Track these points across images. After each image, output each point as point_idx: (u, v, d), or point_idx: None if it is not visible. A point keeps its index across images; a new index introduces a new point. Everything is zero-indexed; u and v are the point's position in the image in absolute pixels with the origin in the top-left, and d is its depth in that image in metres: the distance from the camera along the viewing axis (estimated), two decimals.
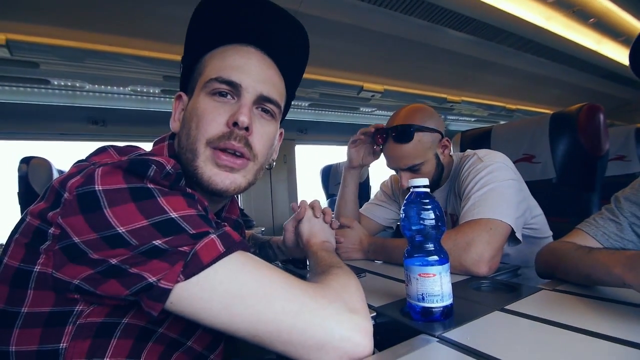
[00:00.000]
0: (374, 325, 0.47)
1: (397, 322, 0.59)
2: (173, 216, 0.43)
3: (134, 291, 0.40)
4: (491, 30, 2.09)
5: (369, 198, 1.45)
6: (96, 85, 1.97)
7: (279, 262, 1.07)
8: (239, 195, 2.83)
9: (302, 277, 0.50)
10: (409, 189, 0.62)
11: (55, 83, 1.86)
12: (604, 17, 2.24)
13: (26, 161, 1.75)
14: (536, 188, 1.22)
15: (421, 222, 0.58)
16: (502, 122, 2.49)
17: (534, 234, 1.09)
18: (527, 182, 1.09)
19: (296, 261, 1.01)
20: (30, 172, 1.71)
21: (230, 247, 0.44)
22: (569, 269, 0.69)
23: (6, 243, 0.46)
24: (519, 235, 0.91)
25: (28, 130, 2.12)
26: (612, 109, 4.05)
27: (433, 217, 0.58)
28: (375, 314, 0.62)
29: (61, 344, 0.43)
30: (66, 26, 1.54)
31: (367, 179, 3.16)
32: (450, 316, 0.56)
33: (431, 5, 1.77)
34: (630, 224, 0.73)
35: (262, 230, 2.29)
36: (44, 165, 1.78)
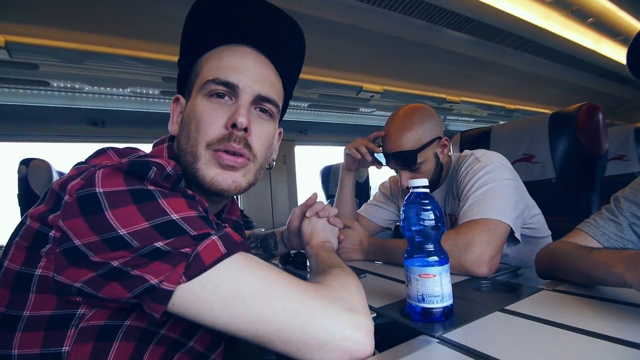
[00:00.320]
0: (374, 326, 0.47)
1: (397, 323, 0.59)
2: (174, 218, 0.43)
3: (136, 293, 0.40)
4: (490, 30, 2.10)
5: (369, 198, 1.45)
6: (95, 87, 1.97)
7: (279, 263, 1.07)
8: (239, 196, 2.83)
9: (302, 277, 0.50)
10: (408, 189, 0.62)
11: (55, 84, 1.87)
12: (602, 16, 2.25)
13: (26, 163, 1.75)
14: (536, 188, 1.22)
15: (421, 222, 0.58)
16: (501, 122, 2.49)
17: (533, 233, 1.09)
18: (526, 182, 1.09)
19: (296, 262, 1.01)
20: (30, 173, 1.71)
21: (231, 248, 0.44)
22: (569, 269, 0.69)
23: (6, 246, 0.46)
24: (517, 235, 0.91)
25: (27, 132, 2.12)
26: (611, 108, 4.06)
27: (433, 217, 0.58)
28: (375, 314, 0.62)
29: (64, 348, 0.43)
30: (65, 28, 1.54)
31: (367, 179, 3.16)
32: (450, 317, 0.56)
33: (430, 6, 1.77)
34: (630, 224, 0.73)
35: (262, 231, 2.28)
36: (43, 166, 1.78)
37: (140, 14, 1.55)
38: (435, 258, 0.57)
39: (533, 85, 3.16)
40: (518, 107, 3.57)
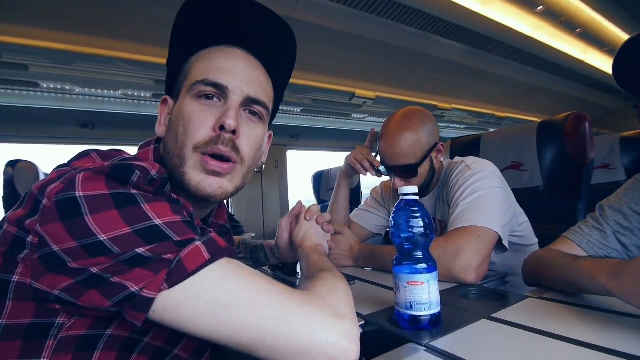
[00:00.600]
0: (362, 333, 0.47)
1: (385, 331, 0.59)
2: (157, 223, 0.42)
3: (116, 301, 0.39)
4: (481, 39, 2.13)
5: (360, 204, 1.45)
6: (86, 89, 1.95)
7: (268, 269, 1.06)
8: (230, 201, 2.81)
9: (292, 284, 0.50)
10: (399, 195, 0.62)
11: (45, 86, 1.84)
12: (590, 27, 2.30)
13: (12, 164, 1.71)
14: (524, 195, 1.24)
15: (410, 230, 0.58)
16: (491, 130, 2.53)
17: (520, 241, 1.10)
18: (515, 190, 1.11)
19: (286, 268, 1.00)
20: (17, 175, 1.68)
21: (215, 254, 0.43)
22: (555, 277, 0.70)
23: None
24: (505, 243, 0.92)
25: (15, 133, 2.09)
26: (597, 117, 4.15)
27: (422, 225, 0.58)
28: (363, 322, 0.63)
29: (42, 359, 0.42)
30: (56, 28, 1.53)
31: (359, 185, 3.17)
32: (438, 324, 0.57)
33: (422, 14, 1.80)
34: (614, 232, 0.74)
35: (253, 236, 2.27)
36: (30, 169, 1.75)
37: (133, 16, 1.55)
38: (424, 265, 0.57)
39: (523, 93, 3.21)
40: (508, 115, 3.62)
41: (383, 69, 2.38)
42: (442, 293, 0.59)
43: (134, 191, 0.44)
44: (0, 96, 1.91)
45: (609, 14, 2.22)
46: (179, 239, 0.43)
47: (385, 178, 1.19)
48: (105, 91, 2.01)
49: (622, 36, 2.45)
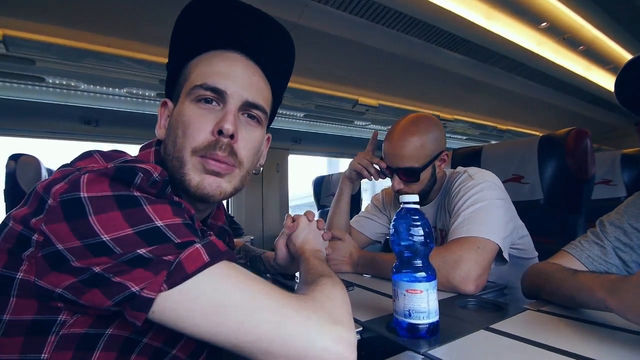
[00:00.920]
0: (359, 340, 0.47)
1: (383, 338, 0.59)
2: (158, 225, 0.43)
3: (117, 301, 0.40)
4: (484, 52, 2.16)
5: (360, 210, 1.45)
6: (91, 86, 1.96)
7: (267, 273, 1.06)
8: (230, 203, 2.81)
9: (290, 288, 0.50)
10: (399, 201, 0.63)
11: (50, 81, 1.85)
12: (593, 45, 2.33)
13: (14, 158, 1.72)
14: (524, 208, 1.24)
15: (410, 238, 0.58)
16: (492, 142, 2.54)
17: (520, 254, 1.10)
18: (515, 202, 1.11)
19: (285, 273, 1.00)
20: (19, 169, 1.68)
21: (215, 257, 0.44)
22: (554, 291, 0.70)
23: None
24: (506, 255, 0.92)
25: (19, 127, 2.09)
26: (598, 133, 4.16)
27: (422, 233, 0.58)
28: (361, 328, 0.62)
29: (43, 355, 0.42)
30: (65, 25, 1.54)
31: (359, 191, 3.18)
32: (436, 333, 0.57)
33: (427, 26, 1.82)
34: (614, 248, 0.74)
35: (252, 239, 2.27)
36: (32, 163, 1.75)
37: (141, 16, 1.56)
38: (423, 274, 0.57)
39: (525, 107, 3.23)
40: (510, 127, 3.64)
41: (387, 77, 2.40)
42: (441, 302, 0.59)
43: (136, 193, 0.44)
44: (6, 90, 1.92)
45: (612, 32, 2.25)
46: (179, 241, 0.43)
47: (385, 184, 1.20)
48: (110, 89, 2.02)
49: (624, 54, 2.48)
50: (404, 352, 0.52)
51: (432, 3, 1.69)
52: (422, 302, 0.56)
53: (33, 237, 0.41)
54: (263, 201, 2.87)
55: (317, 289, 0.53)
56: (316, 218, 0.90)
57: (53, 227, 0.41)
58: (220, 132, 0.56)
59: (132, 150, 0.58)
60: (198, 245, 0.44)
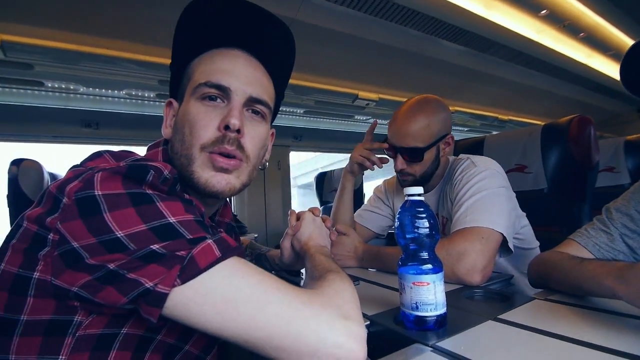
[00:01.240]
0: (367, 333, 0.47)
1: (390, 331, 0.59)
2: (171, 221, 0.44)
3: (132, 297, 0.40)
4: (484, 42, 2.14)
5: (363, 203, 1.45)
6: (90, 88, 1.96)
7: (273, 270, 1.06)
8: (233, 201, 2.81)
9: (296, 284, 0.50)
10: (405, 195, 0.62)
11: (49, 85, 1.85)
12: (594, 31, 2.30)
13: (16, 163, 1.72)
14: (528, 198, 1.23)
15: (415, 230, 0.58)
16: (494, 133, 2.53)
17: (521, 244, 1.09)
18: (519, 192, 1.10)
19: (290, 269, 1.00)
20: (21, 174, 1.68)
21: (226, 252, 0.44)
22: (561, 279, 0.70)
23: (1, 249, 0.46)
24: (510, 245, 0.92)
25: (20, 132, 2.09)
26: (601, 121, 4.14)
27: (427, 225, 0.58)
28: (368, 322, 0.62)
29: (60, 356, 0.43)
30: (62, 28, 1.54)
31: (361, 185, 3.17)
32: (443, 325, 0.56)
33: (426, 17, 1.80)
34: (621, 235, 0.74)
35: (255, 237, 2.27)
36: (35, 167, 1.75)
37: (137, 17, 1.56)
38: (430, 266, 0.57)
39: (526, 96, 3.21)
40: (511, 117, 3.62)
41: (386, 71, 2.38)
42: (448, 294, 0.59)
43: (149, 190, 0.45)
44: (5, 95, 1.92)
45: (612, 18, 2.22)
46: (191, 236, 0.44)
47: (389, 176, 1.18)
48: (110, 91, 2.02)
49: (626, 40, 2.45)
50: (413, 345, 0.52)
51: None
52: (429, 295, 0.55)
53: (49, 236, 0.42)
54: (265, 199, 2.87)
55: (325, 284, 0.53)
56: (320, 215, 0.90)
57: (68, 225, 0.41)
58: (226, 128, 0.57)
59: (134, 151, 0.58)
60: (210, 241, 0.44)
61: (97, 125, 2.22)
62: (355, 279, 0.90)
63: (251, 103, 0.62)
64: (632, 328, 0.53)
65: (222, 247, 0.45)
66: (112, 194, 0.43)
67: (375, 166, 1.20)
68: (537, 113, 3.76)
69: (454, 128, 3.63)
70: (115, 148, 0.57)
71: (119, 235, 0.41)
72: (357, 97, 2.53)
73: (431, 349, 0.50)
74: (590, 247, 0.75)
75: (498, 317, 0.60)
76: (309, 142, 3.15)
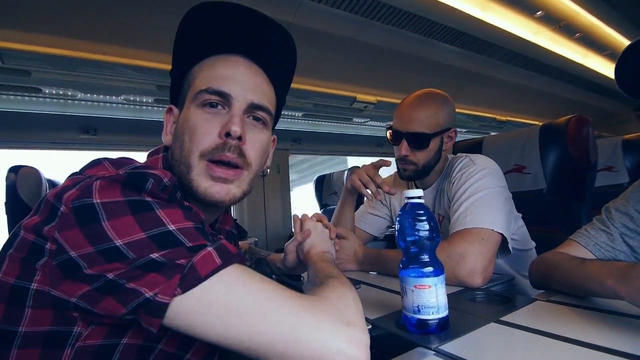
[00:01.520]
0: (369, 338, 0.46)
1: (392, 335, 0.59)
2: (170, 229, 0.43)
3: (131, 308, 0.39)
4: (481, 43, 2.15)
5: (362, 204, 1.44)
6: (88, 94, 1.96)
7: (273, 275, 1.05)
8: (232, 206, 2.80)
9: (297, 289, 0.49)
10: (405, 198, 0.62)
11: (47, 91, 1.85)
12: (589, 32, 2.32)
13: (14, 170, 1.71)
14: (527, 198, 1.23)
15: (416, 233, 0.58)
16: (492, 133, 2.53)
17: (516, 245, 1.08)
18: (518, 192, 1.10)
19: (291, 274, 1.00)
20: (19, 181, 1.67)
21: (226, 260, 0.44)
22: (563, 280, 0.70)
23: None
24: (509, 245, 0.92)
25: (18, 139, 2.09)
26: (599, 120, 4.15)
27: (428, 228, 0.58)
28: (370, 326, 0.62)
29: None
30: (59, 35, 1.54)
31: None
32: (446, 328, 0.56)
33: (423, 20, 1.81)
34: (621, 235, 0.74)
35: (256, 241, 2.27)
36: (33, 174, 1.74)
37: (134, 22, 1.56)
38: (431, 269, 0.57)
39: (523, 97, 3.22)
40: (509, 118, 3.63)
41: (384, 73, 2.39)
42: (449, 297, 0.58)
43: (148, 198, 0.45)
44: (3, 102, 1.91)
45: (608, 18, 2.24)
46: (191, 244, 0.43)
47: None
48: (107, 96, 2.01)
49: (621, 40, 2.47)
50: (415, 349, 0.52)
51: None
52: (431, 297, 0.55)
53: (46, 246, 0.41)
54: (265, 203, 2.87)
55: (327, 290, 0.52)
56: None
57: (66, 234, 0.41)
58: (227, 135, 0.57)
59: (133, 157, 0.58)
60: (210, 249, 0.44)
61: (95, 131, 2.21)
62: (356, 283, 0.90)
63: (252, 110, 0.61)
64: (634, 328, 0.52)
65: (222, 254, 0.44)
66: (110, 202, 0.42)
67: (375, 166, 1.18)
68: (535, 113, 3.77)
69: None
70: (114, 154, 0.56)
71: (117, 244, 0.40)
72: (355, 100, 2.53)
73: (434, 352, 0.50)
74: (590, 247, 0.75)
75: (500, 319, 0.60)
76: (308, 145, 3.15)
